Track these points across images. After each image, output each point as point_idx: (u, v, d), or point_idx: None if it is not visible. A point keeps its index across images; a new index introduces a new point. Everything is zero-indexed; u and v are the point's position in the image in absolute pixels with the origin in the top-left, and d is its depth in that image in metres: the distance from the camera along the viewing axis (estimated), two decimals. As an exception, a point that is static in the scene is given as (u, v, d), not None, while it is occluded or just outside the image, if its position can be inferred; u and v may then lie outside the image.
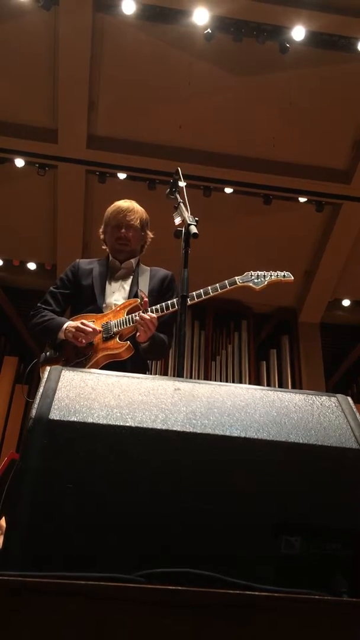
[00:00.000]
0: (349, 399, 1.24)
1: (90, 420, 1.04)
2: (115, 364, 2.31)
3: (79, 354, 2.38)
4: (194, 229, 2.01)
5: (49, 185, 5.87)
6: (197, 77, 5.04)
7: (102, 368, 2.30)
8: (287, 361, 6.75)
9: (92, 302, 2.50)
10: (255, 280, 2.33)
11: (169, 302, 2.36)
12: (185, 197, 2.20)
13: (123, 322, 2.36)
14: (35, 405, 1.06)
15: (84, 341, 2.34)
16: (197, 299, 2.30)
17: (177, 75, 5.03)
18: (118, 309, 2.45)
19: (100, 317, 2.44)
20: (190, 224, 2.03)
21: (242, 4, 4.48)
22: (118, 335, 2.37)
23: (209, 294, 2.30)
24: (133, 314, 2.36)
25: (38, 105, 5.31)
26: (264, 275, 2.33)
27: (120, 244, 2.59)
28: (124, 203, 2.63)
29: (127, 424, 1.04)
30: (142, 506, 0.96)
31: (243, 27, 4.60)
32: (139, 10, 4.57)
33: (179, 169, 2.28)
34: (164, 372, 6.32)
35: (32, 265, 6.70)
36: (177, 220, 2.12)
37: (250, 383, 6.34)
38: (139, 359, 2.41)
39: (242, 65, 5.00)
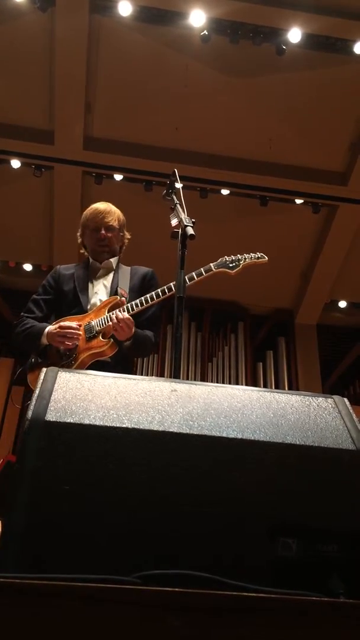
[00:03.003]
0: (346, 400, 1.24)
1: (86, 421, 1.04)
2: (100, 364, 2.31)
3: (63, 357, 2.37)
4: (190, 231, 2.01)
5: (46, 187, 5.86)
6: (193, 79, 5.04)
7: (88, 368, 2.30)
8: (284, 363, 6.75)
9: (76, 305, 2.51)
10: (230, 265, 2.34)
11: (147, 296, 2.36)
12: (182, 198, 2.20)
13: (104, 320, 2.37)
14: (32, 407, 1.06)
15: (69, 343, 2.34)
16: (169, 292, 2.31)
17: (174, 77, 5.03)
18: (99, 307, 2.46)
19: (82, 318, 2.45)
20: (186, 226, 2.03)
21: (239, 6, 4.48)
22: (101, 334, 2.37)
23: (187, 283, 2.27)
24: (113, 312, 2.37)
25: (34, 106, 5.30)
26: (239, 259, 2.35)
27: (101, 246, 2.62)
28: (101, 205, 2.67)
29: (124, 426, 1.04)
30: (138, 508, 0.96)
31: (239, 29, 4.61)
32: (135, 12, 4.56)
33: (176, 170, 2.28)
34: (161, 374, 6.31)
35: (28, 267, 6.69)
36: (174, 222, 2.12)
37: (247, 384, 6.33)
38: (125, 357, 2.43)
39: (239, 67, 5.00)
